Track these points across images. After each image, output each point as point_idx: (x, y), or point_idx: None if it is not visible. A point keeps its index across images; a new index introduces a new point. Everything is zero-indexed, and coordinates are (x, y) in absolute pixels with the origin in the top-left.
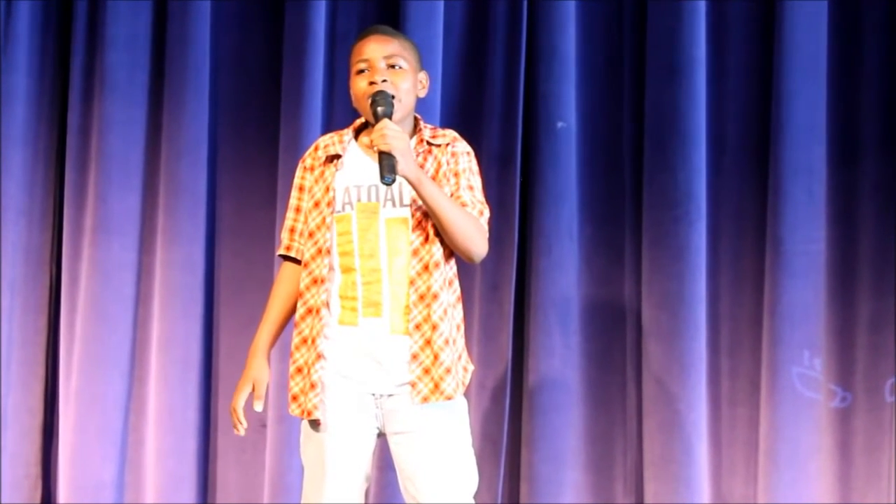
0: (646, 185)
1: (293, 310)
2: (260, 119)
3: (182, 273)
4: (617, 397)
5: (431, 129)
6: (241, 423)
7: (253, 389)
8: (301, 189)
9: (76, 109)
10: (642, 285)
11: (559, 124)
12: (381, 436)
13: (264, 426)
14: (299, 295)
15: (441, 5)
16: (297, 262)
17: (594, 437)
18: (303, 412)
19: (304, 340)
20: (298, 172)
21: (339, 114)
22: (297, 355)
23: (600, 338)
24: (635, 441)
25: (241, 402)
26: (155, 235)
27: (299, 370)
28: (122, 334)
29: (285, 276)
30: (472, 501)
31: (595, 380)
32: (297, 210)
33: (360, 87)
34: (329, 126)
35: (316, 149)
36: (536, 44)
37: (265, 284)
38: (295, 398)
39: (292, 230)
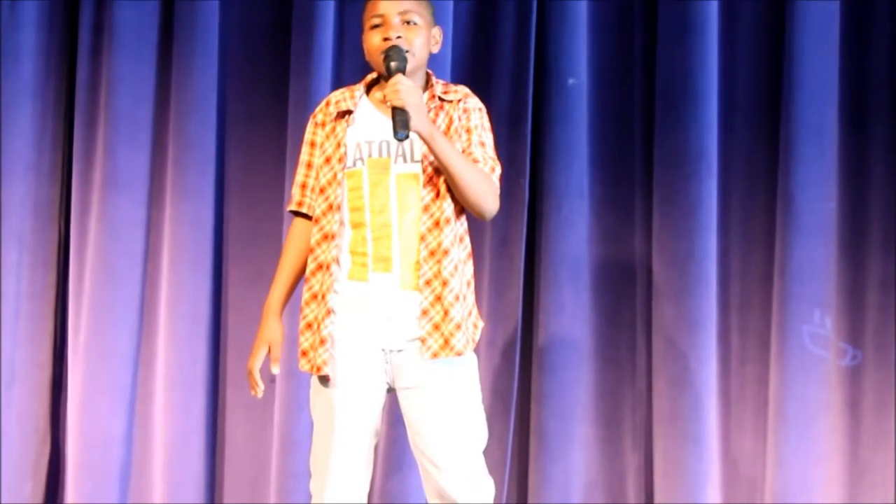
0: (656, 143)
1: (305, 266)
2: (269, 75)
3: (191, 229)
4: (627, 354)
5: (443, 84)
6: (258, 385)
7: (269, 351)
8: (312, 145)
9: (85, 65)
10: (653, 242)
11: (570, 81)
12: (391, 391)
13: (273, 381)
14: (310, 251)
15: None
16: (309, 218)
17: (604, 393)
18: (312, 367)
19: (315, 296)
20: (309, 128)
21: (349, 70)
22: (306, 311)
23: (610, 295)
24: (645, 397)
25: (257, 363)
26: (164, 191)
27: (309, 325)
28: (130, 290)
29: (297, 233)
30: (482, 456)
31: (605, 336)
32: (309, 166)
33: (373, 42)
34: (339, 82)
35: (327, 104)
36: (547, 1)
37: (274, 240)
38: (304, 353)
39: (304, 186)
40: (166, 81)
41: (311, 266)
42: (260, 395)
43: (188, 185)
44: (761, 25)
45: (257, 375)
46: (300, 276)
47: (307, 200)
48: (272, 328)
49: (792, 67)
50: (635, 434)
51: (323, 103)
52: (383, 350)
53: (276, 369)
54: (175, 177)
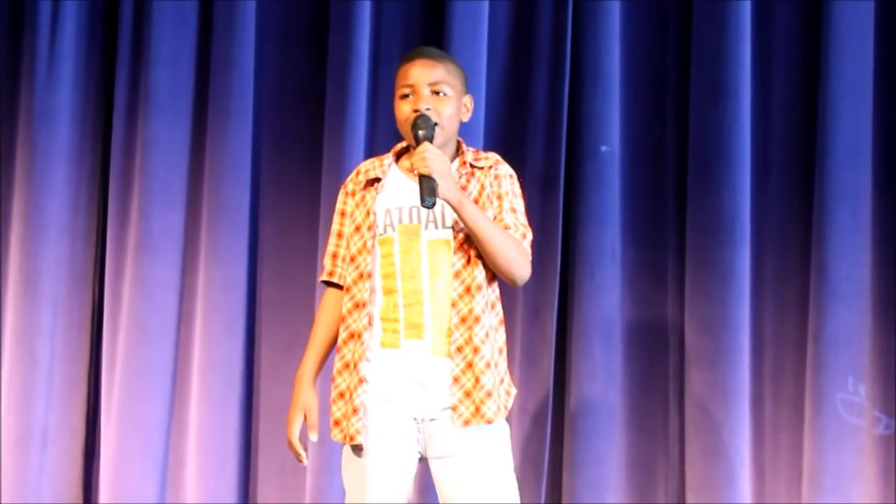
0: (689, 209)
1: (337, 335)
2: (303, 139)
3: (224, 293)
4: (659, 422)
5: (474, 151)
6: (301, 454)
7: (305, 419)
8: (343, 214)
9: (120, 127)
10: (685, 309)
11: (603, 148)
12: (423, 460)
13: (305, 448)
14: (342, 319)
15: (485, 27)
16: (340, 287)
17: (636, 462)
18: (345, 437)
19: (347, 365)
20: (340, 198)
21: (382, 134)
22: (339, 380)
23: (643, 362)
24: (678, 466)
25: (295, 432)
26: (198, 254)
27: (341, 395)
28: (163, 353)
29: (329, 302)
30: None
31: (637, 404)
32: (339, 235)
33: (403, 112)
34: (372, 147)
35: (357, 174)
36: (580, 66)
37: (307, 305)
38: (337, 423)
39: (335, 255)
40: (201, 144)
41: (342, 335)
42: (306, 462)
43: (222, 248)
44: (794, 89)
45: (297, 445)
46: (332, 344)
47: (338, 270)
48: (306, 396)
49: (825, 130)
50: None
51: (353, 173)
52: (415, 419)
53: (314, 436)
54: (209, 240)
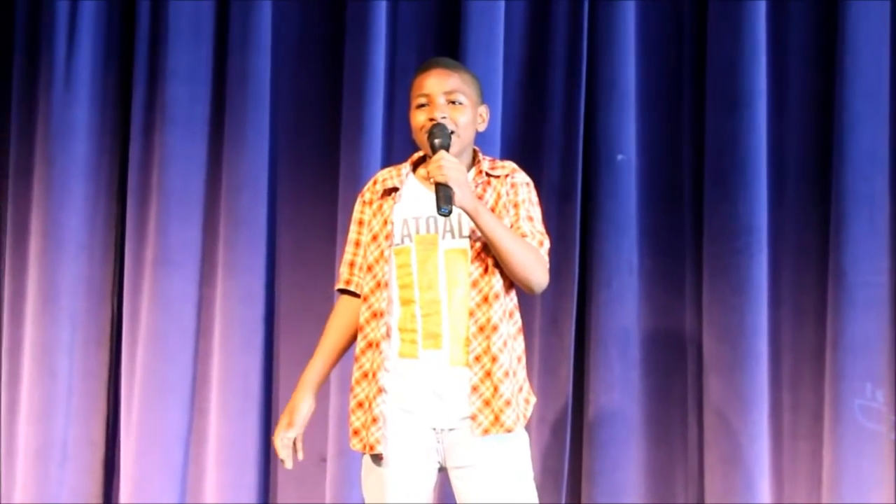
0: (706, 217)
1: (349, 342)
2: (320, 152)
3: (242, 306)
4: (678, 431)
5: (490, 160)
6: (283, 456)
7: (290, 419)
8: (360, 223)
9: (137, 143)
10: (703, 318)
11: (619, 157)
12: (442, 470)
13: (324, 460)
14: (359, 329)
15: (501, 38)
16: (356, 295)
17: (655, 471)
18: (364, 447)
19: (365, 374)
20: (357, 206)
21: (399, 146)
22: (357, 389)
23: (661, 371)
24: (696, 475)
25: (279, 434)
26: (215, 268)
27: (360, 405)
28: (182, 367)
29: (342, 309)
30: None
31: (656, 413)
32: (357, 244)
33: (418, 121)
34: (389, 158)
35: (374, 183)
36: (596, 76)
37: (325, 316)
38: (356, 433)
39: (352, 264)
40: (217, 158)
41: (360, 344)
42: (289, 465)
43: (239, 261)
44: (810, 96)
45: (279, 445)
46: (342, 352)
47: (355, 279)
48: (298, 398)
49: (842, 137)
50: None
51: (370, 182)
52: (434, 429)
53: (290, 434)
54: (226, 253)
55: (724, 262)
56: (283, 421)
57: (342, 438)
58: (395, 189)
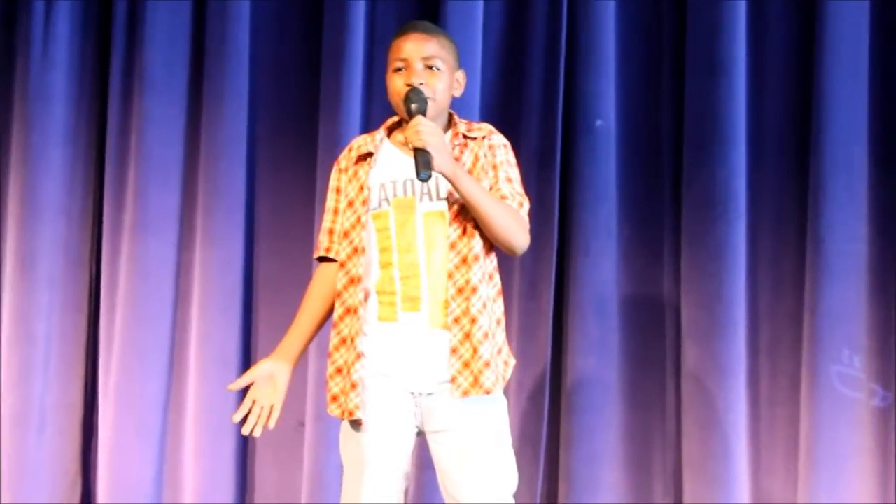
0: (685, 184)
1: (330, 310)
2: (298, 118)
3: (221, 272)
4: (655, 397)
5: (466, 123)
6: (255, 425)
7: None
8: (337, 191)
9: (115, 108)
10: (681, 284)
11: (598, 122)
12: (420, 434)
13: (302, 425)
14: (337, 295)
15: (480, 5)
16: (335, 262)
17: (632, 436)
18: (343, 412)
19: (343, 340)
20: (333, 174)
21: (378, 112)
22: (335, 355)
23: (639, 337)
24: (674, 441)
25: (237, 382)
26: (194, 234)
27: (339, 370)
28: (160, 333)
29: (321, 276)
30: (512, 500)
31: (633, 379)
32: (335, 211)
33: (396, 85)
34: (368, 125)
35: (349, 150)
36: (575, 42)
37: (304, 284)
38: (335, 398)
39: (330, 231)
40: (196, 124)
41: (338, 310)
42: (257, 433)
43: (218, 228)
44: (790, 64)
45: (254, 409)
46: (322, 320)
47: (334, 246)
48: (267, 360)
49: (821, 105)
50: (665, 477)
51: (345, 150)
52: (412, 393)
53: (231, 386)
54: (204, 220)
55: (703, 229)
56: (245, 374)
57: (320, 403)
58: (370, 154)
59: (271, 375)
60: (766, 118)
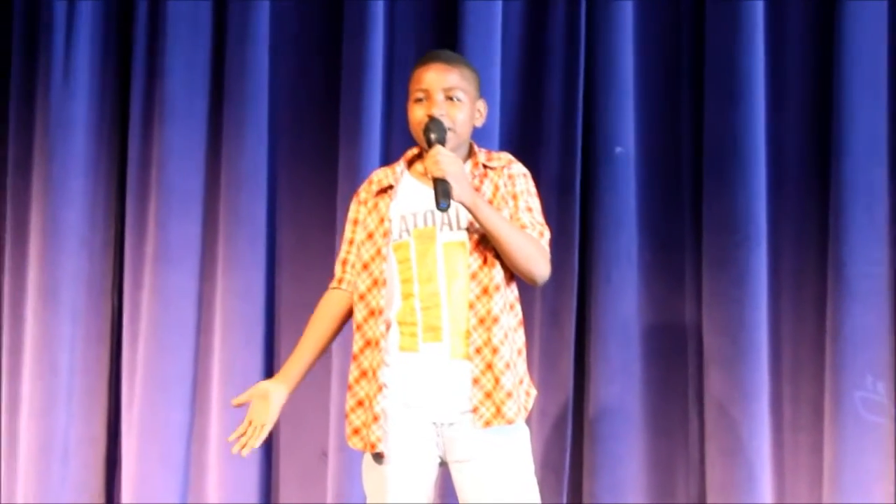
0: (705, 210)
1: (332, 335)
2: (319, 147)
3: (242, 301)
4: (678, 424)
5: (486, 152)
6: (249, 447)
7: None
8: (355, 222)
9: (136, 138)
10: (703, 310)
11: (617, 149)
12: (443, 464)
13: (326, 455)
14: (357, 328)
15: (499, 33)
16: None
17: (656, 464)
18: (366, 445)
19: (364, 373)
20: (353, 206)
21: (398, 141)
22: (356, 388)
23: (661, 364)
24: (697, 468)
25: (238, 398)
26: (215, 263)
27: (360, 403)
28: (183, 363)
29: (327, 302)
30: None
31: (656, 406)
32: (351, 242)
33: (416, 116)
34: (387, 153)
35: (370, 182)
36: (594, 69)
37: None
38: (357, 431)
39: (345, 262)
40: (216, 153)
41: (358, 343)
42: (233, 403)
43: (239, 256)
44: (808, 86)
45: (249, 432)
46: (325, 345)
47: (347, 276)
48: (269, 382)
49: (840, 128)
50: None
51: (366, 182)
52: (435, 423)
53: (233, 401)
54: (226, 249)
55: (724, 255)
56: (245, 392)
57: (342, 433)
58: (391, 187)
59: (267, 395)
60: (785, 143)
